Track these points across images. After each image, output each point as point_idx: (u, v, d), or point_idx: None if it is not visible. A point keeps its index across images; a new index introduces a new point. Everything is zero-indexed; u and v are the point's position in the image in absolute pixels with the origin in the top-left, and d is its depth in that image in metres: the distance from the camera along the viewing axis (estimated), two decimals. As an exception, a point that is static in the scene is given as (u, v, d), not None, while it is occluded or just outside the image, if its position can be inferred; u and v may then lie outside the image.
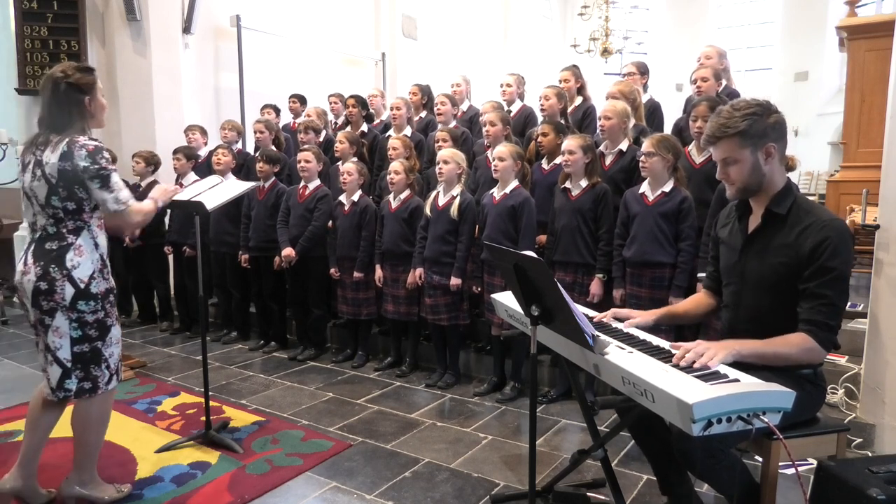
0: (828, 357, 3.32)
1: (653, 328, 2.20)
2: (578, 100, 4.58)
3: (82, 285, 2.26)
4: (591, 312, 2.38)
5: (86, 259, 2.29)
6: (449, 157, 3.81)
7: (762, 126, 1.87)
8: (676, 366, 1.73)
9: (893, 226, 2.93)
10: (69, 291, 2.24)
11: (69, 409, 2.44)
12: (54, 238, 2.27)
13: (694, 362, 1.74)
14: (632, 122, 3.72)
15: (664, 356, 1.81)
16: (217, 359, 4.48)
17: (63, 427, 2.50)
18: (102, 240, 2.39)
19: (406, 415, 3.46)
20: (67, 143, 2.23)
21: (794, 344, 1.83)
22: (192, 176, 4.99)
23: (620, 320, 2.17)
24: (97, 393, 2.36)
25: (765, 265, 1.94)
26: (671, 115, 4.56)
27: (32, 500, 2.42)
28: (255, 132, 5.18)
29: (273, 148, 5.08)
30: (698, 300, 2.27)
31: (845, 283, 1.84)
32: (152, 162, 5.23)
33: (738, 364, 1.79)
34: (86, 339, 2.30)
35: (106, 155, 2.29)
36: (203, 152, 5.45)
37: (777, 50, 13.16)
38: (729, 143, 1.90)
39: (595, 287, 3.41)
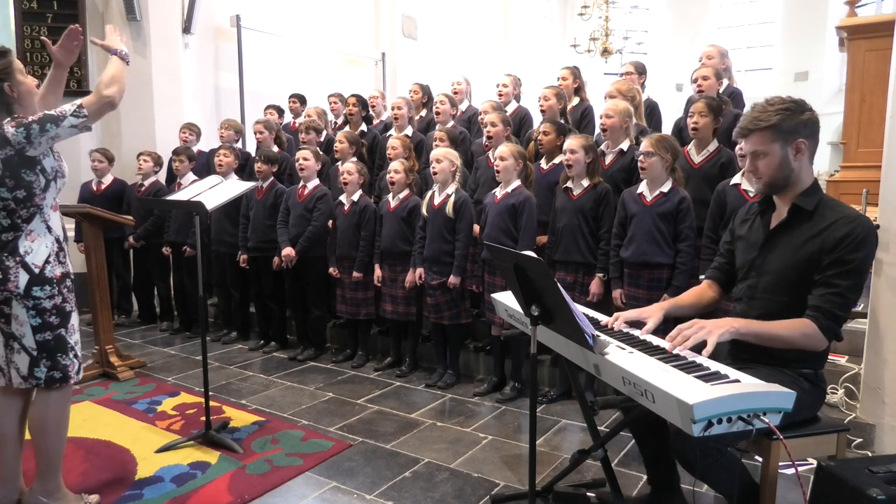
0: (828, 357, 3.34)
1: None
2: (575, 100, 4.59)
3: (36, 270, 2.20)
4: (592, 313, 2.38)
5: (39, 243, 2.22)
6: (442, 156, 3.81)
7: (794, 122, 1.89)
8: (674, 361, 1.74)
9: (893, 226, 2.93)
10: (23, 278, 2.18)
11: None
12: (9, 229, 2.21)
13: (689, 344, 1.77)
14: (633, 121, 3.71)
15: (664, 356, 1.81)
16: (217, 359, 4.48)
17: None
18: (56, 222, 2.30)
19: (406, 415, 3.46)
20: None
21: (794, 328, 1.84)
22: (190, 176, 5.00)
23: (633, 324, 2.14)
24: (68, 382, 2.30)
25: (788, 260, 1.94)
26: (671, 115, 4.57)
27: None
28: (256, 133, 5.19)
29: (275, 148, 5.10)
30: (701, 291, 2.27)
31: (860, 278, 1.84)
32: (160, 163, 5.25)
33: (741, 361, 1.79)
34: (47, 326, 2.24)
35: (30, 115, 2.17)
36: (193, 150, 5.45)
37: (777, 50, 13.14)
38: (760, 136, 1.92)
39: (595, 286, 3.41)
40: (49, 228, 2.27)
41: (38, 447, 2.34)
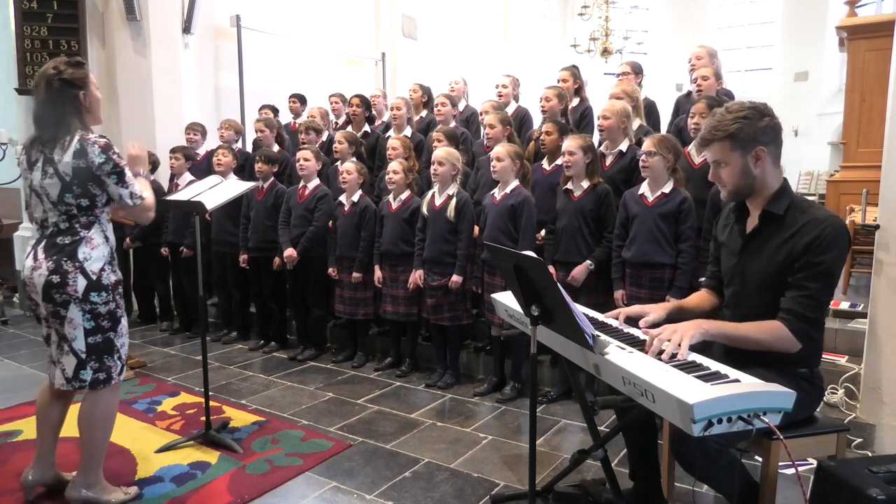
0: (828, 357, 3.36)
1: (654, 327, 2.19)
2: (576, 101, 4.59)
3: (94, 277, 2.29)
4: (592, 313, 2.38)
5: (98, 252, 2.32)
6: (444, 157, 3.81)
7: (752, 130, 1.88)
8: (674, 361, 1.74)
9: (893, 226, 2.93)
10: (82, 283, 2.26)
11: (74, 408, 2.45)
12: (66, 233, 2.29)
13: (669, 352, 1.78)
14: (635, 122, 3.71)
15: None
16: (217, 359, 4.48)
17: (68, 426, 2.52)
18: (111, 233, 2.42)
19: (406, 415, 3.46)
20: (80, 141, 2.24)
21: (766, 329, 1.85)
22: (187, 176, 5.00)
23: (633, 319, 2.14)
24: (111, 383, 2.39)
25: (764, 265, 1.95)
26: (670, 115, 4.58)
27: (57, 485, 2.49)
28: (256, 131, 5.19)
29: (276, 146, 5.10)
30: (703, 297, 2.28)
31: (830, 279, 1.85)
32: (150, 161, 5.23)
33: (736, 362, 1.79)
34: (99, 329, 2.33)
35: (117, 150, 2.32)
36: (200, 151, 5.46)
37: (777, 50, 13.15)
38: (720, 145, 1.93)
39: (578, 272, 3.41)
40: (106, 238, 2.38)
41: (84, 441, 2.42)
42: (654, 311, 2.12)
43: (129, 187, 2.33)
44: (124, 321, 2.44)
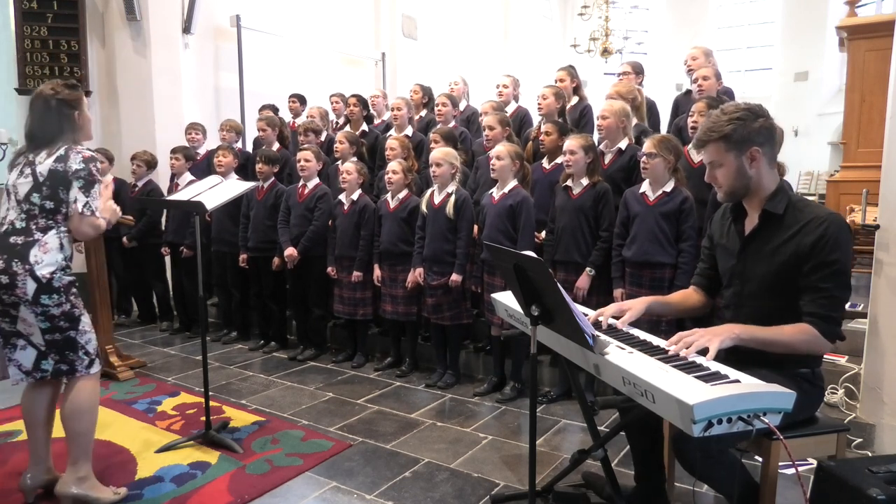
0: (828, 357, 3.35)
1: (653, 327, 2.19)
2: (574, 99, 4.60)
3: (44, 280, 2.28)
4: (592, 312, 2.38)
5: (50, 257, 2.30)
6: (441, 158, 3.80)
7: (747, 130, 1.89)
8: (674, 361, 1.74)
9: (893, 226, 2.93)
10: (31, 286, 2.26)
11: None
12: (21, 233, 2.29)
13: (690, 351, 1.78)
14: (633, 121, 3.72)
15: (664, 356, 1.80)
16: (217, 359, 4.48)
17: (58, 429, 2.51)
18: (67, 244, 2.40)
19: (406, 415, 3.46)
20: (66, 149, 2.32)
21: (796, 332, 1.84)
22: (187, 176, 5.00)
23: (617, 318, 2.14)
24: (75, 375, 2.40)
25: (765, 265, 1.95)
26: (669, 114, 4.58)
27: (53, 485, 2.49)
28: (259, 130, 5.19)
29: (277, 144, 5.10)
30: (687, 294, 2.29)
31: (846, 276, 1.85)
32: (153, 165, 5.25)
33: (737, 362, 1.79)
34: (56, 329, 2.33)
35: (98, 166, 2.37)
36: (201, 151, 5.46)
37: (777, 50, 13.14)
38: (715, 146, 1.94)
39: (582, 281, 3.42)
40: (62, 246, 2.37)
41: (69, 433, 2.42)
42: (634, 305, 2.12)
43: (89, 198, 2.34)
44: (85, 318, 2.42)
